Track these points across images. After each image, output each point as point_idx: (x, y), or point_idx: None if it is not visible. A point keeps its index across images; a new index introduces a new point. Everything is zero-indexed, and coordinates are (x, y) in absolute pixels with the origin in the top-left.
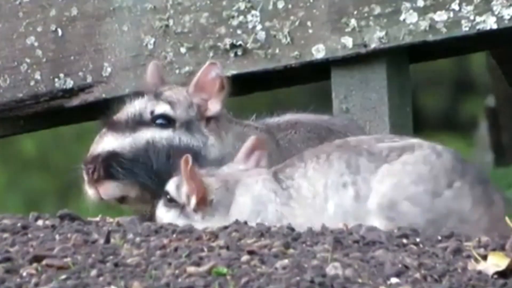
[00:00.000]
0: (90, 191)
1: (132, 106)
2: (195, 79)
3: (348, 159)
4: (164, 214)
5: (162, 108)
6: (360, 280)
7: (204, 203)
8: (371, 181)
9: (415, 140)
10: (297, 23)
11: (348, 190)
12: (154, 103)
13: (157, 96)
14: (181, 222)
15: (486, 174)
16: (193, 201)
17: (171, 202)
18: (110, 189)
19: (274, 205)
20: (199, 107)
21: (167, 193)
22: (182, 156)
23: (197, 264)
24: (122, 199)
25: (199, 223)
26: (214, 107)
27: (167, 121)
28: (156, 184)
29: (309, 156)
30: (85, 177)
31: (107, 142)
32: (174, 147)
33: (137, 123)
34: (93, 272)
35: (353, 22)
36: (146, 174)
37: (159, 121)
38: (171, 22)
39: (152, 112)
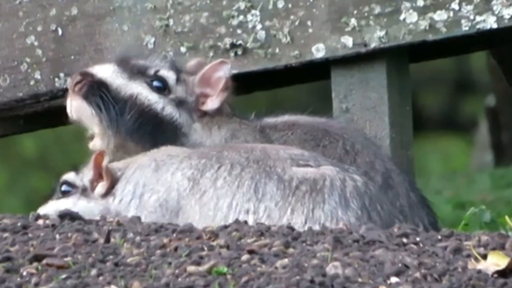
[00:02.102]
0: (68, 100)
1: (150, 58)
2: (202, 71)
3: (258, 182)
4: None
5: (166, 74)
6: (360, 280)
7: (111, 188)
8: (272, 212)
9: (328, 171)
10: (297, 22)
11: (249, 217)
12: (164, 67)
13: (173, 64)
14: (82, 203)
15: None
16: (101, 189)
17: (67, 192)
18: (81, 108)
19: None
20: (198, 98)
21: (63, 183)
22: (155, 122)
23: (197, 264)
24: (88, 127)
25: (98, 202)
26: (212, 104)
27: (163, 87)
28: (112, 132)
29: (226, 159)
30: (70, 84)
31: (106, 71)
32: (152, 111)
33: (139, 72)
34: (93, 272)
35: (353, 21)
36: (113, 119)
37: (156, 83)
38: (171, 21)
39: (156, 72)
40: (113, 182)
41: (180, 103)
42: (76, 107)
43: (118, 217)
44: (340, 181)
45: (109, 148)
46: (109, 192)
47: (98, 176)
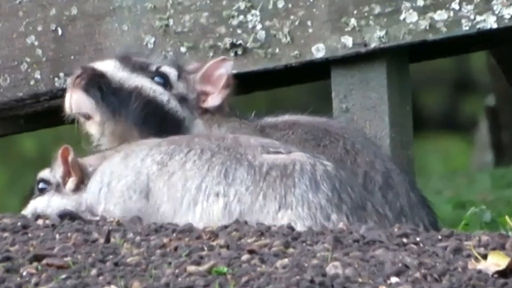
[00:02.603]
0: (67, 95)
1: (153, 54)
2: (203, 68)
3: (228, 167)
4: (39, 203)
5: (168, 70)
6: (360, 280)
7: (81, 183)
8: (243, 196)
9: (298, 156)
10: (297, 22)
11: (219, 200)
12: (166, 63)
13: (174, 61)
14: (55, 199)
15: (367, 199)
16: (71, 184)
17: (43, 190)
18: (81, 101)
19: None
20: (199, 96)
21: (40, 180)
22: (161, 113)
23: (197, 263)
24: (88, 117)
25: (70, 198)
26: (213, 101)
27: (164, 83)
28: (112, 123)
29: (196, 144)
30: (71, 78)
31: (107, 65)
32: (158, 102)
33: (141, 68)
34: (93, 272)
35: (353, 21)
36: (114, 110)
37: (157, 78)
38: (171, 21)
39: (157, 68)
40: (84, 176)
41: (181, 100)
42: (76, 99)
43: (91, 210)
44: (310, 165)
45: (106, 138)
46: (80, 186)
47: (68, 171)
